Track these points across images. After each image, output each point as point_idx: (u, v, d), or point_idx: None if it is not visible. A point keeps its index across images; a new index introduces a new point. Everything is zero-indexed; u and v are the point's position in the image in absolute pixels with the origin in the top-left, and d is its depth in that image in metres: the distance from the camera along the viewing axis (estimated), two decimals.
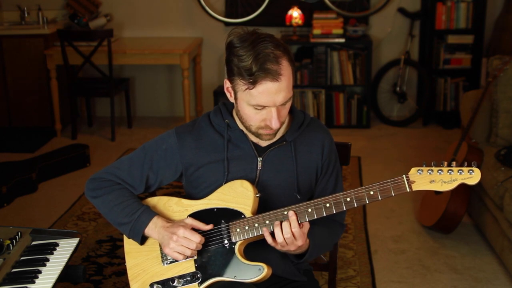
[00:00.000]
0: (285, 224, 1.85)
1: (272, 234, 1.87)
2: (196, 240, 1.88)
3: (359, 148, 5.25)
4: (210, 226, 1.92)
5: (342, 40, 5.69)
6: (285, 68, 1.82)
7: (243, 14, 5.92)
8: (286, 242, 1.85)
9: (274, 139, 1.99)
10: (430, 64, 5.73)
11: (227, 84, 1.92)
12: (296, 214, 1.85)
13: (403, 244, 3.68)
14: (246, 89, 1.83)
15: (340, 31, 5.73)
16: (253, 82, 1.80)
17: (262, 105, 1.84)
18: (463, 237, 3.74)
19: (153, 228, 1.94)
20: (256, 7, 5.89)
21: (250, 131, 1.93)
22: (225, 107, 2.03)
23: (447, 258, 3.52)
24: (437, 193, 3.79)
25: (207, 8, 5.94)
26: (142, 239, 1.98)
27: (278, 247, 1.88)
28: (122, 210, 1.96)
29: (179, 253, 1.90)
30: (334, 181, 2.07)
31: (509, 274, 3.32)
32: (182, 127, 2.04)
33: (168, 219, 1.96)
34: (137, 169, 2.01)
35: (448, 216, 3.65)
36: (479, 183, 3.61)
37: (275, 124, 1.86)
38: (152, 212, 1.96)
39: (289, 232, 1.84)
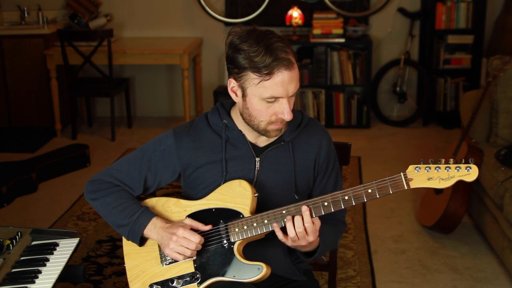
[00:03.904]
0: (297, 218, 1.84)
1: (283, 229, 1.86)
2: (195, 240, 1.88)
3: (359, 148, 5.25)
4: (209, 227, 1.92)
5: (342, 40, 5.69)
6: (293, 57, 1.85)
7: (243, 14, 5.91)
8: (297, 237, 1.84)
9: (272, 139, 1.99)
10: (430, 64, 5.73)
11: (231, 83, 1.91)
12: (310, 209, 1.84)
13: (403, 244, 3.68)
14: (260, 81, 1.83)
15: (340, 31, 5.73)
16: (269, 73, 1.81)
17: (276, 96, 1.84)
18: (463, 237, 3.74)
19: (152, 229, 1.94)
20: (256, 7, 5.88)
21: (258, 129, 1.92)
22: (223, 108, 2.02)
23: (447, 258, 3.52)
24: (437, 192, 3.79)
25: (207, 8, 5.94)
26: (141, 241, 1.98)
27: (289, 243, 1.87)
28: (121, 212, 1.96)
29: (179, 253, 1.90)
30: (334, 182, 2.07)
31: (509, 274, 3.32)
32: (179, 128, 2.04)
33: (167, 220, 1.96)
34: (135, 170, 2.01)
35: (448, 216, 3.65)
36: (479, 183, 3.62)
37: (287, 115, 1.86)
38: (151, 213, 1.96)
39: (301, 226, 1.83)
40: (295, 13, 5.71)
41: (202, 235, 1.92)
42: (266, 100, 1.85)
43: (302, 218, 1.84)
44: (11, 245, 2.06)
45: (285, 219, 1.85)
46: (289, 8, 5.76)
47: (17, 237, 2.11)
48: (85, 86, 5.61)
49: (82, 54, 5.32)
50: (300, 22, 5.73)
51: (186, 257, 1.91)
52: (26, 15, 5.93)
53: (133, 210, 1.96)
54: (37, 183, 4.56)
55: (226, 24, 5.98)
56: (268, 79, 1.82)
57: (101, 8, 6.06)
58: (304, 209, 1.84)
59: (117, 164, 2.05)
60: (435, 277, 3.33)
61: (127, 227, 1.95)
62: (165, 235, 1.91)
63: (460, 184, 1.80)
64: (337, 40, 5.69)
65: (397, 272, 3.39)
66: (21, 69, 5.63)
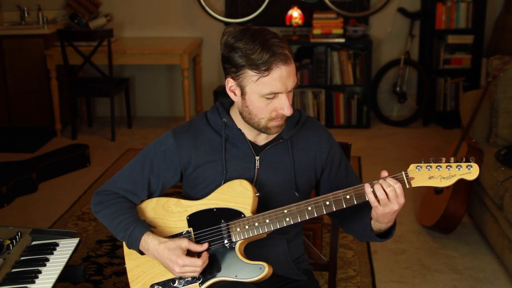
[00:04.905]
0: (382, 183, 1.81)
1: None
2: (198, 264, 1.86)
3: (359, 148, 5.25)
4: (205, 246, 1.90)
5: (342, 40, 5.69)
6: (289, 52, 1.85)
7: (243, 14, 5.91)
8: (388, 198, 1.81)
9: (271, 138, 1.99)
10: (430, 64, 5.73)
11: (229, 83, 1.91)
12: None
13: (403, 244, 3.68)
14: (259, 78, 1.83)
15: (340, 31, 5.73)
16: (267, 69, 1.81)
17: (275, 91, 1.84)
18: (463, 237, 3.74)
19: (146, 247, 1.91)
20: (256, 7, 5.88)
21: (258, 126, 1.91)
22: (222, 106, 2.02)
23: (447, 258, 3.52)
24: (437, 192, 3.79)
25: (207, 8, 5.94)
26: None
27: (380, 208, 1.84)
28: (118, 224, 1.95)
29: (190, 275, 1.90)
30: (345, 171, 2.06)
31: (509, 274, 3.32)
32: (179, 128, 2.03)
33: (158, 237, 1.91)
34: (138, 175, 2.00)
35: (448, 216, 3.65)
36: (479, 183, 3.62)
37: (288, 110, 1.86)
38: (143, 229, 1.92)
39: (392, 185, 1.79)
40: (295, 13, 5.71)
41: (203, 235, 1.92)
42: (266, 96, 1.85)
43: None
44: (11, 245, 2.06)
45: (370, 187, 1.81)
46: (289, 8, 5.76)
47: (17, 237, 2.11)
48: (85, 86, 5.61)
49: (82, 54, 5.32)
50: (300, 22, 5.73)
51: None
52: (26, 15, 5.93)
53: (128, 223, 1.93)
54: (37, 183, 4.56)
55: (226, 24, 5.98)
56: (267, 75, 1.82)
57: (101, 8, 6.06)
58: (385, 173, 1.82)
59: (120, 172, 2.04)
60: (435, 277, 3.33)
61: (126, 240, 1.95)
62: (163, 261, 1.89)
63: (460, 184, 1.80)
64: (337, 40, 5.69)
65: (397, 272, 3.39)
66: (21, 69, 5.63)
